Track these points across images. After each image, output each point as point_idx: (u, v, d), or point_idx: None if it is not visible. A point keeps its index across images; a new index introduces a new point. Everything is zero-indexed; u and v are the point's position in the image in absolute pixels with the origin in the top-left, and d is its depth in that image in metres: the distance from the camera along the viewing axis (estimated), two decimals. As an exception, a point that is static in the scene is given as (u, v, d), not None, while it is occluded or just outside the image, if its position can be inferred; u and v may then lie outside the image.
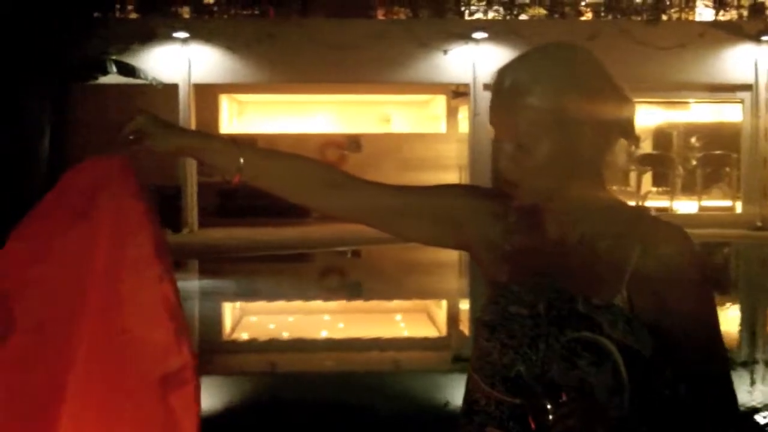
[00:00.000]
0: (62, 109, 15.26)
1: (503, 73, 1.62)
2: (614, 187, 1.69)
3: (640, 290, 1.59)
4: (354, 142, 20.71)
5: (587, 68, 1.62)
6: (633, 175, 19.57)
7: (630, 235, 1.62)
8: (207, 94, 18.77)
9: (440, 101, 21.56)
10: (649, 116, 20.86)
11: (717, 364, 1.64)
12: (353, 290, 12.73)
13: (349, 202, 1.88)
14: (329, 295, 12.11)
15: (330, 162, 2.43)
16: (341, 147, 20.45)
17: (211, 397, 6.68)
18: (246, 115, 22.53)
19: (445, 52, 17.30)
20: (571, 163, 1.61)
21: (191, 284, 12.13)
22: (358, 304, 11.57)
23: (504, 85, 1.61)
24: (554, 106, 1.57)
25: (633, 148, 1.67)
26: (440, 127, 21.76)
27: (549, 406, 1.46)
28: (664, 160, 21.05)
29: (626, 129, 1.64)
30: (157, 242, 1.70)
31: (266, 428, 5.57)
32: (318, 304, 11.49)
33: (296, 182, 1.88)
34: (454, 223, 1.81)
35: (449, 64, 17.37)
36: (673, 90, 18.68)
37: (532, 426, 1.48)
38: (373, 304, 11.54)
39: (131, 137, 1.76)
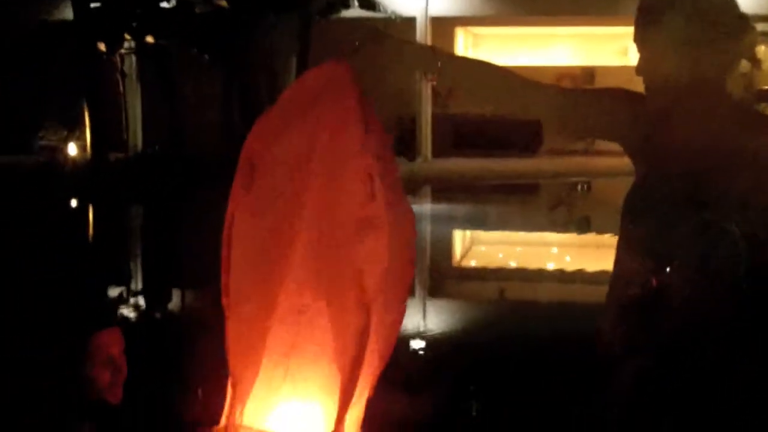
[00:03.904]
0: (306, 43, 16.01)
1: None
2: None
3: (754, 179, 1.89)
4: (588, 74, 20.40)
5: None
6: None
7: (745, 136, 1.92)
8: (443, 28, 19.01)
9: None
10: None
11: None
12: (582, 224, 12.66)
13: (525, 100, 2.28)
14: (558, 227, 12.20)
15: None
16: (575, 79, 20.20)
17: (440, 319, 7.01)
18: (481, 48, 22.63)
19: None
20: (694, 78, 1.94)
21: (424, 209, 12.57)
22: (587, 237, 11.53)
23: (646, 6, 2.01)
24: (684, 31, 1.92)
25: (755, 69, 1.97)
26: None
27: (669, 269, 1.91)
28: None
29: (748, 52, 1.95)
30: (364, 124, 2.14)
31: (491, 353, 5.72)
32: (546, 235, 11.61)
33: (483, 84, 2.30)
34: (610, 119, 2.15)
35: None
36: None
37: (655, 285, 1.93)
38: (602, 238, 11.49)
39: (356, 44, 2.23)
